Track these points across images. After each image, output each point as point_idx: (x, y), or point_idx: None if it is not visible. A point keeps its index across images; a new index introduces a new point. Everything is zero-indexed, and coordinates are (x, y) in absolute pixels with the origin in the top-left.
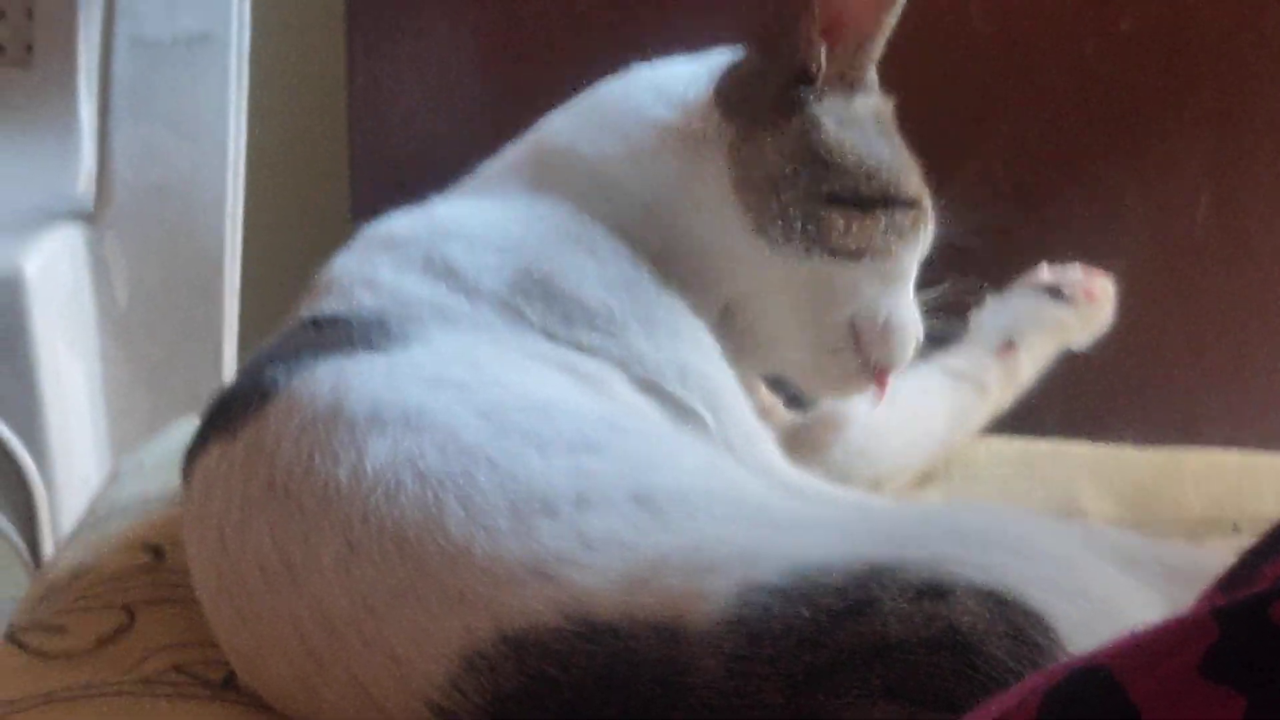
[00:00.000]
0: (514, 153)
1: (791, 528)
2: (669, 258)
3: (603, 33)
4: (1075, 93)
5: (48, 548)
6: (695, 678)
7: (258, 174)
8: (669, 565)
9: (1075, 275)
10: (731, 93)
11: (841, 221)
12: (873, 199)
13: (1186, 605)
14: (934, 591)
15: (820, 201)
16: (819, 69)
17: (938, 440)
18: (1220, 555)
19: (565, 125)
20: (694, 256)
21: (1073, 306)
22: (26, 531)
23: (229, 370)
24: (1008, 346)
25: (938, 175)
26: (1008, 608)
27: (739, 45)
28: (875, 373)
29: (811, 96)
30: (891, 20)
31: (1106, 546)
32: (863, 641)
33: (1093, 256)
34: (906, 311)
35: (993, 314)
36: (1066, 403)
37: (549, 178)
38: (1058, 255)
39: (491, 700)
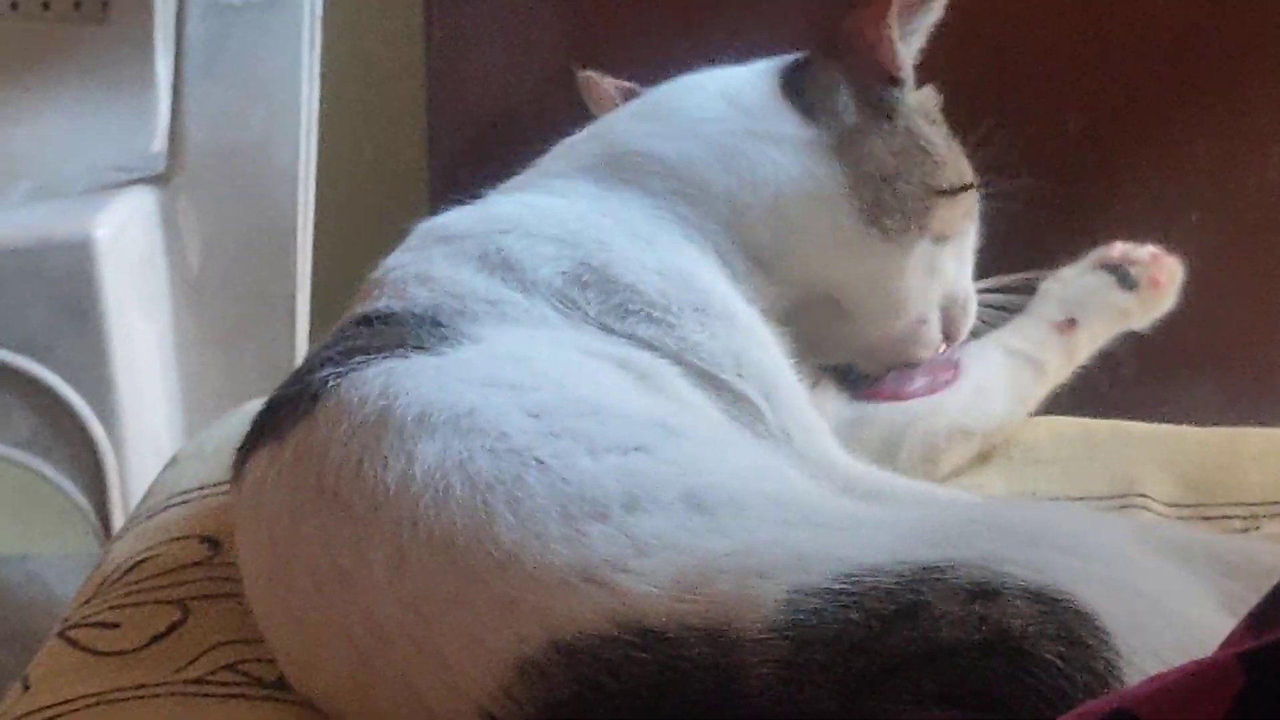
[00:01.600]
0: (578, 152)
1: (843, 529)
2: (748, 254)
3: None
4: (1143, 44)
5: (118, 517)
6: (748, 684)
7: (333, 136)
8: (720, 570)
9: (1144, 258)
10: (813, 98)
11: (943, 209)
12: (957, 186)
13: (1241, 600)
14: (984, 593)
15: (930, 193)
16: (904, 71)
17: (996, 420)
18: (1274, 548)
19: (637, 129)
20: (782, 252)
21: (1138, 293)
22: (98, 499)
23: (302, 335)
24: (1069, 324)
25: (1010, 132)
26: (1059, 608)
27: (793, 50)
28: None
29: (903, 95)
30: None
31: (1159, 540)
32: (914, 646)
33: (1163, 212)
34: (971, 288)
35: (1059, 287)
36: (1138, 361)
37: (622, 177)
38: (1127, 210)
39: (543, 708)
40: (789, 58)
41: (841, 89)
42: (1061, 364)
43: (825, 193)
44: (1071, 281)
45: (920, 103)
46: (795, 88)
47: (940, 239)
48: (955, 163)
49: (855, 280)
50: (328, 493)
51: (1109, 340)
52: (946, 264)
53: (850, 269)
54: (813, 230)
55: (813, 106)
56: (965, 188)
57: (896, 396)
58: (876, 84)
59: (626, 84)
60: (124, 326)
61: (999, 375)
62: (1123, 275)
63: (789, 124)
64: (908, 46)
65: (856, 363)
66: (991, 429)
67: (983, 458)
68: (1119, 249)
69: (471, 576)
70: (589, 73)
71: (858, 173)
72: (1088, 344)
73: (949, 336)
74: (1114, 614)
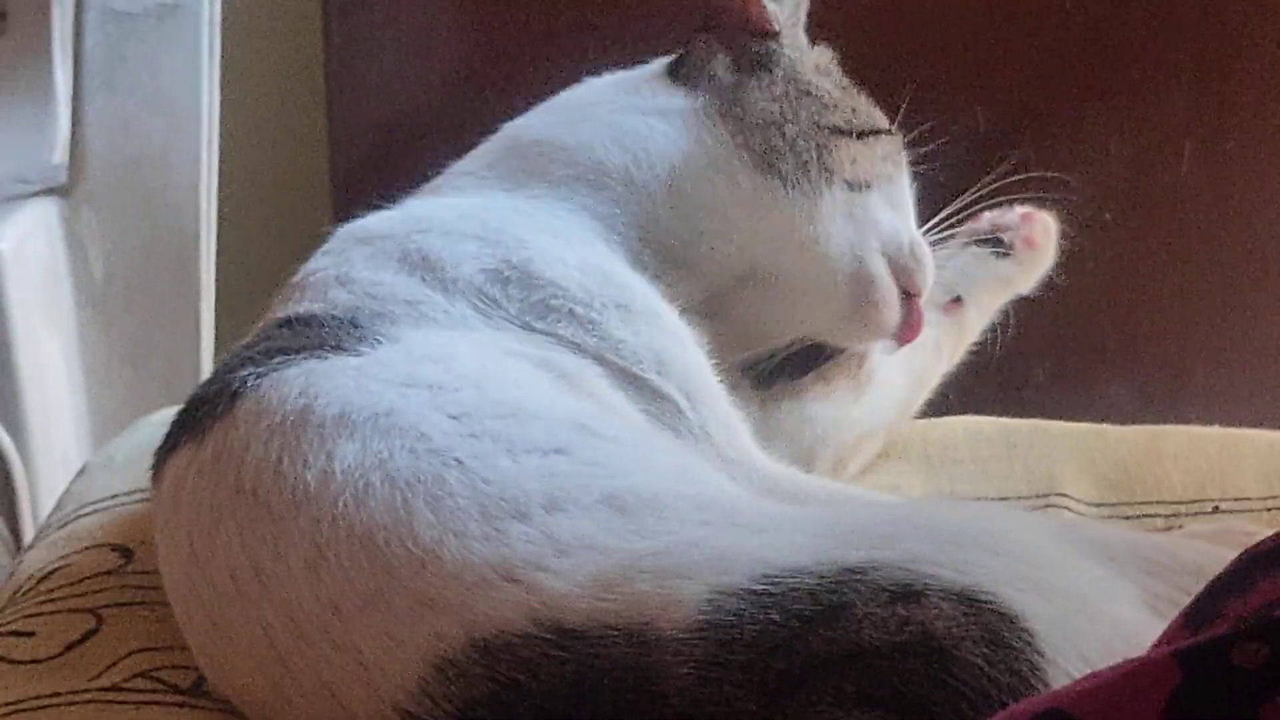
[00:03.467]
0: (486, 153)
1: (764, 529)
2: (657, 248)
3: None
4: (1058, 39)
5: (27, 528)
6: (667, 685)
7: (234, 146)
8: (640, 570)
9: (1014, 221)
10: (693, 68)
11: (846, 151)
12: (864, 130)
13: (1165, 599)
14: (907, 594)
15: (823, 133)
16: (777, 25)
17: (898, 404)
18: (1197, 546)
19: (537, 122)
20: (691, 235)
21: (1015, 257)
22: (7, 511)
23: (207, 346)
24: (955, 303)
25: (920, 122)
26: (982, 609)
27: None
28: (908, 301)
29: (780, 47)
30: None
31: (1083, 539)
32: (836, 647)
33: (1076, 206)
34: (917, 234)
35: (937, 270)
36: (1054, 359)
37: (526, 171)
38: (1040, 204)
39: (461, 707)
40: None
41: (717, 52)
42: (955, 343)
43: (716, 156)
44: (948, 261)
45: (811, 57)
46: (675, 68)
47: (858, 185)
48: (856, 106)
49: (771, 243)
50: (247, 491)
51: (996, 311)
52: (876, 212)
53: (762, 231)
54: (714, 199)
55: (692, 78)
56: (875, 132)
57: None
58: (751, 42)
59: None
60: (29, 339)
61: (897, 365)
62: (996, 243)
63: (672, 97)
64: (780, 3)
65: (823, 338)
66: (895, 420)
67: (900, 457)
68: (986, 218)
69: (390, 574)
70: None
71: (743, 125)
72: (977, 319)
73: (908, 290)
74: (1038, 614)
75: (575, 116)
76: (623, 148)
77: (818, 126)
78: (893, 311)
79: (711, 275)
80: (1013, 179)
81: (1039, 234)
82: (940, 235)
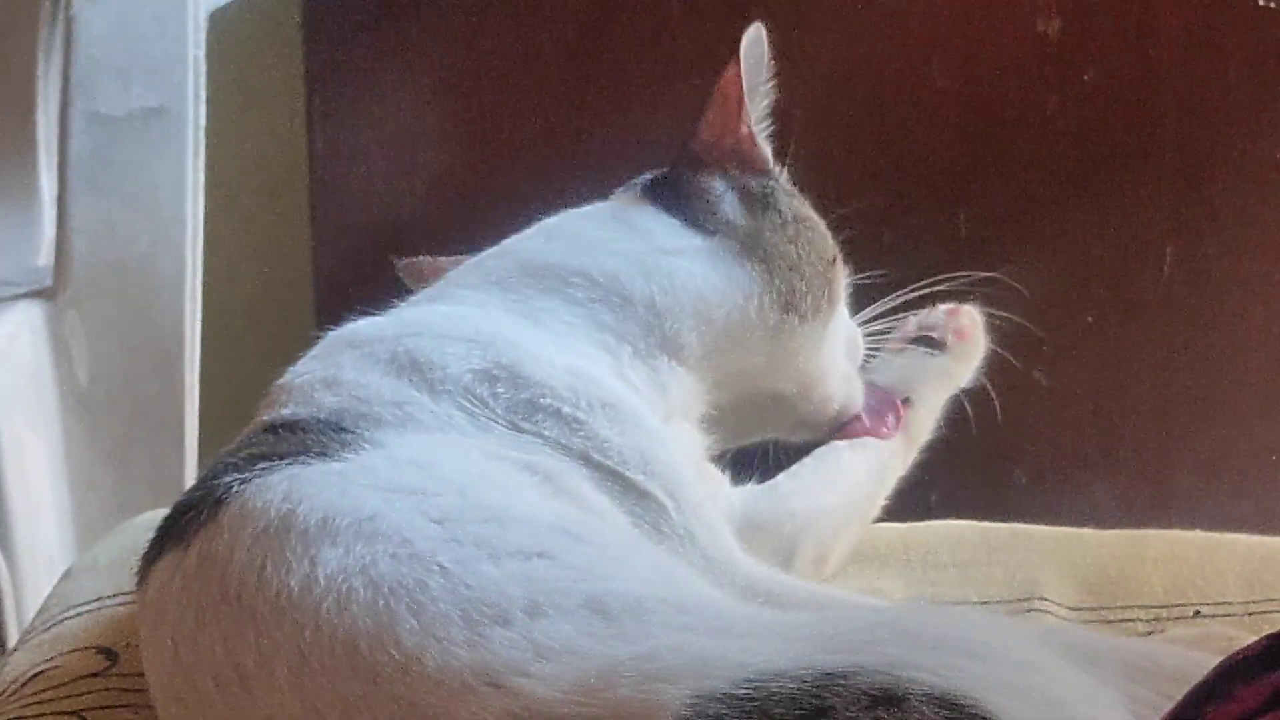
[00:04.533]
0: (488, 267)
1: (745, 633)
2: (671, 353)
3: (564, 94)
4: (1039, 145)
5: (12, 631)
6: None
7: (218, 247)
8: (621, 674)
9: (940, 319)
10: (695, 210)
11: (838, 276)
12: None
13: (1146, 704)
14: (889, 699)
15: (829, 265)
16: (770, 161)
17: (865, 496)
18: (1178, 651)
19: (551, 247)
20: (710, 351)
21: (949, 352)
22: None
23: (191, 448)
24: (904, 403)
25: (901, 227)
26: (963, 714)
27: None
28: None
29: (774, 183)
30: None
31: (1064, 644)
32: None
33: (1057, 312)
34: (853, 324)
35: (880, 376)
36: (1035, 463)
37: (541, 290)
38: (1022, 310)
39: None
40: (641, 181)
41: (725, 195)
42: (910, 439)
43: (747, 292)
44: (888, 366)
45: (782, 182)
46: (672, 205)
47: (839, 302)
48: (823, 224)
49: (788, 366)
50: (231, 597)
51: (943, 405)
52: (843, 320)
53: (778, 358)
54: (741, 328)
55: (698, 218)
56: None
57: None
58: (751, 180)
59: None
60: (14, 441)
61: (860, 465)
62: (928, 342)
63: (687, 238)
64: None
65: (787, 437)
66: (866, 513)
67: (882, 561)
68: (912, 322)
69: (373, 680)
70: (413, 259)
71: (769, 268)
72: (926, 416)
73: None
74: (1019, 719)
75: (594, 249)
76: (651, 280)
77: (824, 261)
78: (859, 404)
79: (723, 388)
80: (951, 278)
81: (966, 325)
82: (883, 328)
